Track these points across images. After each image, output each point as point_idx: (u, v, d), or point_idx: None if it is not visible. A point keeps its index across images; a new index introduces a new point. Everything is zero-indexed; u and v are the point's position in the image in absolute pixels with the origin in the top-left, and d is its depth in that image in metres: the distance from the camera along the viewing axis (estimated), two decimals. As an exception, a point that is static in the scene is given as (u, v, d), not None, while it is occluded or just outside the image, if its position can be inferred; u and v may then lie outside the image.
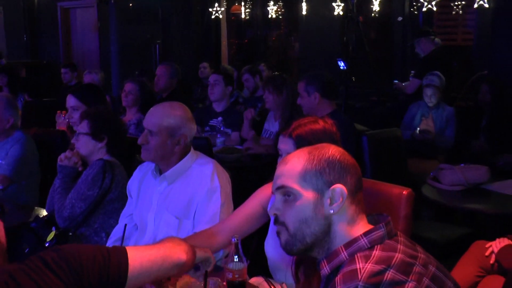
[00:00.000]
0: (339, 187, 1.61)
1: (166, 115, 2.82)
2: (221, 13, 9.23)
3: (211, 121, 5.21)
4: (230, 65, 9.46)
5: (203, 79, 8.21)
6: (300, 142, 2.34)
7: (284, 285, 2.45)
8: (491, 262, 2.98)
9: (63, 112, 5.48)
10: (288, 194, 1.66)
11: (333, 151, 1.68)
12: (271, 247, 2.58)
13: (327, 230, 1.63)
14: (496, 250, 2.98)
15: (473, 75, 6.78)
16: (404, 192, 2.55)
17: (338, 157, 1.66)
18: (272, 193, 1.73)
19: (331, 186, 1.62)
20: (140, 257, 1.66)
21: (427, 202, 3.91)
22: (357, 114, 6.64)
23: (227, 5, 9.82)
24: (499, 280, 2.81)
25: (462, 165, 3.95)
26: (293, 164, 1.68)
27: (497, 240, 3.05)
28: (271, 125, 5.07)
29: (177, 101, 3.15)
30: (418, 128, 5.55)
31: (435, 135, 5.51)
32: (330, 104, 4.38)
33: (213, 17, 9.14)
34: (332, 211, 1.62)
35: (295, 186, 1.64)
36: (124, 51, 10.85)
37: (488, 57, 6.71)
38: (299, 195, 1.64)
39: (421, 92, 5.75)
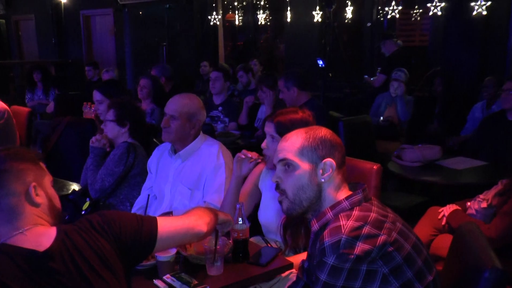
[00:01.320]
0: (329, 160, 1.66)
1: (185, 103, 2.82)
2: (218, 20, 9.15)
3: (210, 113, 5.17)
4: (226, 63, 9.35)
5: (203, 75, 8.12)
6: (280, 127, 2.38)
7: (277, 242, 2.50)
8: (443, 223, 3.00)
9: (89, 103, 5.49)
10: (288, 165, 1.69)
11: (324, 132, 1.71)
12: (263, 216, 2.62)
13: (318, 195, 1.67)
14: (446, 214, 3.00)
15: (428, 70, 6.78)
16: (374, 167, 2.62)
17: (329, 136, 1.70)
18: (274, 165, 1.77)
19: (323, 160, 1.66)
20: (167, 227, 1.71)
21: (392, 176, 3.90)
22: (334, 103, 6.59)
23: (223, 13, 9.74)
24: (449, 237, 2.75)
25: (420, 145, 3.94)
26: (293, 141, 1.70)
27: (447, 206, 3.06)
28: (263, 115, 5.02)
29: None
30: (382, 117, 5.52)
31: (397, 121, 5.47)
32: (306, 94, 4.43)
33: (211, 23, 9.03)
34: (323, 180, 1.66)
35: (294, 158, 1.67)
36: (136, 52, 10.78)
37: (440, 55, 6.70)
38: (297, 166, 1.67)
39: (386, 85, 5.73)
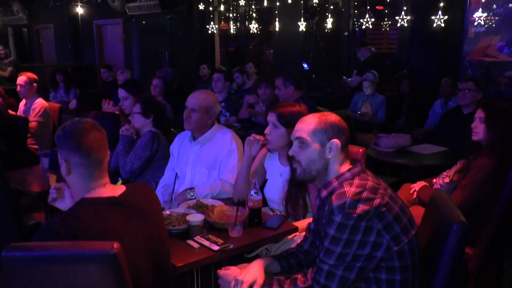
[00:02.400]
0: (335, 141, 1.76)
1: (203, 98, 2.88)
2: (215, 29, 9.18)
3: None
4: (222, 66, 9.43)
5: (203, 77, 8.12)
6: (281, 117, 2.48)
7: (280, 212, 2.59)
8: (414, 197, 3.07)
9: (107, 100, 5.56)
10: (302, 143, 1.80)
11: (334, 118, 1.81)
12: (269, 190, 2.69)
13: (325, 168, 1.79)
14: (417, 189, 3.07)
15: (396, 73, 6.83)
16: (360, 150, 2.76)
17: (337, 122, 1.80)
18: (291, 141, 1.86)
19: (330, 140, 1.77)
20: None
21: (370, 160, 3.93)
22: (316, 101, 6.43)
23: (219, 23, 9.80)
24: (419, 208, 2.85)
25: (393, 134, 4.02)
26: (308, 124, 1.81)
27: (418, 182, 3.14)
28: (260, 109, 5.13)
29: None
30: (359, 112, 5.62)
31: (371, 116, 5.57)
32: (298, 92, 4.51)
33: (209, 32, 9.05)
34: (330, 156, 1.77)
35: (308, 138, 1.78)
36: (142, 57, 10.74)
37: (406, 60, 6.76)
38: (310, 144, 1.78)
39: (362, 86, 5.78)
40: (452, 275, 1.64)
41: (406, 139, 3.91)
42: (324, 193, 1.80)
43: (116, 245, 1.43)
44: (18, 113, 4.97)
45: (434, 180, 3.04)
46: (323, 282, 1.65)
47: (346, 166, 1.80)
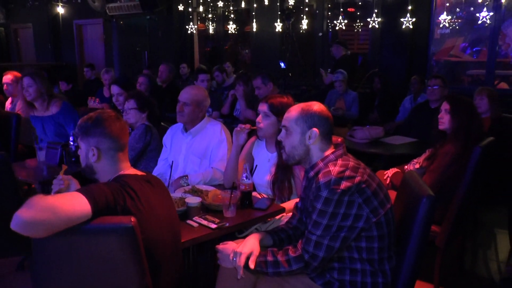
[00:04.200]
0: (315, 130, 1.93)
1: (195, 93, 3.01)
2: (194, 30, 9.25)
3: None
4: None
5: (183, 75, 8.16)
6: (272, 107, 2.64)
7: (268, 195, 2.69)
8: (387, 182, 3.20)
9: (93, 97, 5.63)
10: (287, 130, 1.97)
11: (316, 108, 1.96)
12: (257, 176, 2.78)
13: (307, 153, 1.96)
14: (390, 175, 3.24)
15: (368, 71, 6.99)
16: (339, 139, 2.85)
17: (318, 112, 1.95)
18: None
19: (311, 128, 1.93)
20: None
21: (347, 150, 4.07)
22: (293, 98, 6.76)
23: (198, 23, 9.87)
24: (392, 193, 2.87)
25: (368, 126, 4.21)
26: (292, 113, 1.97)
27: (390, 169, 3.31)
28: (239, 105, 5.19)
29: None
30: (333, 107, 5.74)
31: (345, 111, 5.71)
32: (276, 88, 4.66)
33: (189, 32, 9.11)
34: (309, 143, 1.94)
35: (291, 125, 1.95)
36: (122, 56, 10.78)
37: (378, 59, 6.94)
38: (292, 132, 1.95)
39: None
40: (422, 241, 1.85)
41: (379, 131, 4.10)
42: (311, 174, 1.97)
43: (133, 219, 1.59)
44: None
45: (406, 166, 3.22)
46: (311, 251, 1.82)
47: (330, 150, 1.97)
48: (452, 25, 6.27)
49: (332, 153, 1.95)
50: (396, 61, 6.52)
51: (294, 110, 1.98)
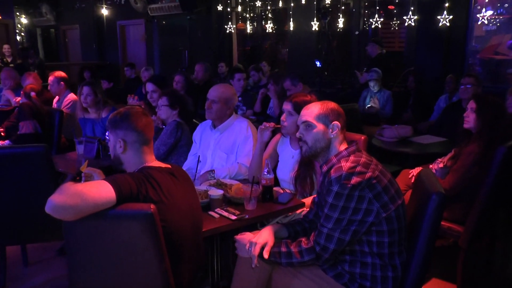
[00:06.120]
0: (336, 123, 2.02)
1: (223, 91, 3.11)
2: (233, 29, 9.38)
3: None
4: (239, 64, 9.65)
5: (220, 74, 8.33)
6: (296, 106, 2.72)
7: (289, 191, 2.82)
8: (412, 181, 3.20)
9: (132, 95, 5.85)
10: (308, 125, 2.05)
11: (333, 104, 2.08)
12: (280, 171, 2.94)
13: (328, 146, 2.04)
14: (415, 174, 3.24)
15: (404, 70, 6.86)
16: (362, 137, 2.94)
17: (336, 108, 2.06)
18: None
19: (332, 122, 2.02)
20: None
21: (376, 150, 4.04)
22: (328, 97, 6.55)
23: (236, 23, 10.00)
24: None
25: (396, 125, 4.18)
26: (312, 109, 2.06)
27: (415, 168, 3.33)
28: (272, 103, 5.33)
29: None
30: (368, 105, 5.79)
31: (379, 110, 5.73)
32: (307, 87, 4.71)
33: (227, 31, 9.25)
34: (332, 136, 2.03)
35: (313, 121, 2.04)
36: (163, 55, 11.05)
37: (413, 58, 6.87)
38: (314, 126, 2.03)
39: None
40: (431, 237, 1.89)
41: (407, 130, 4.10)
42: (325, 168, 2.05)
43: (152, 206, 1.73)
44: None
45: (431, 166, 3.20)
46: (323, 243, 1.90)
47: (343, 146, 2.06)
48: (493, 21, 6.10)
49: (346, 149, 2.03)
50: (431, 59, 6.43)
51: (314, 106, 2.08)
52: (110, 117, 2.02)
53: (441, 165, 3.09)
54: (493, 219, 2.94)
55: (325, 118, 2.04)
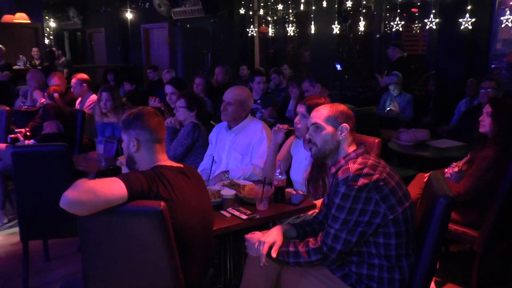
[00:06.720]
0: (345, 125, 2.04)
1: (238, 93, 3.17)
2: (255, 32, 9.42)
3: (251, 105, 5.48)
4: (261, 67, 9.64)
5: (242, 77, 8.32)
6: (310, 108, 2.72)
7: (302, 192, 2.82)
8: None
9: (153, 97, 5.95)
10: (317, 127, 2.07)
11: (342, 107, 2.10)
12: (293, 173, 2.97)
13: (337, 148, 2.05)
14: None
15: (425, 73, 6.88)
16: (376, 140, 2.93)
17: (345, 110, 2.08)
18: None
19: (341, 124, 2.04)
20: None
21: (393, 154, 4.07)
22: (348, 100, 6.68)
23: (258, 26, 10.09)
24: None
25: (413, 129, 4.16)
26: (322, 111, 2.09)
27: (431, 172, 3.26)
28: (291, 106, 5.35)
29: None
30: (387, 109, 5.74)
31: (398, 113, 5.68)
32: (325, 89, 4.75)
33: (249, 35, 9.27)
34: (340, 138, 2.05)
35: (322, 123, 2.06)
36: (186, 58, 11.16)
37: (434, 61, 6.81)
38: (323, 128, 2.06)
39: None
40: (438, 240, 1.90)
41: (424, 134, 4.08)
42: (333, 170, 2.07)
43: (162, 203, 1.78)
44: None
45: (446, 170, 3.20)
46: (330, 244, 1.92)
47: (352, 148, 2.07)
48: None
49: (354, 151, 2.05)
50: (453, 63, 6.33)
51: (324, 108, 2.11)
52: (123, 118, 2.09)
53: (456, 169, 3.08)
54: (509, 224, 2.90)
55: (334, 120, 2.06)
